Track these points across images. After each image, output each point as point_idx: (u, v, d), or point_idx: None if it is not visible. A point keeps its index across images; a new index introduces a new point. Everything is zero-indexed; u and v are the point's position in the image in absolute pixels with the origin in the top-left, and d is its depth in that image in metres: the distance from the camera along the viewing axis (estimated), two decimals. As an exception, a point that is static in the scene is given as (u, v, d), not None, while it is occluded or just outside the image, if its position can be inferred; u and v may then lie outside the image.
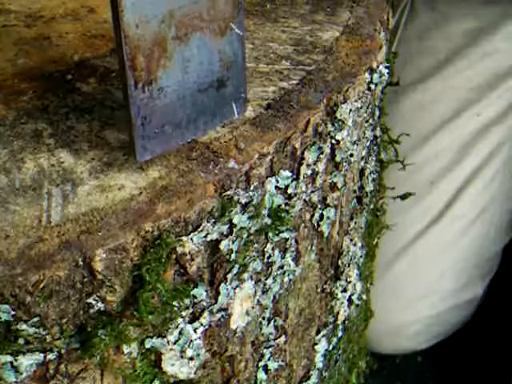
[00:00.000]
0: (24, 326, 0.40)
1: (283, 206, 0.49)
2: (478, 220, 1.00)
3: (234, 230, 0.46)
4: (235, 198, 0.45)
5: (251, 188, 0.46)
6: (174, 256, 0.43)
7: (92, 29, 0.59)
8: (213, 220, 0.44)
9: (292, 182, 0.49)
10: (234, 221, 0.45)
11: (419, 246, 1.00)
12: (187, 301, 0.45)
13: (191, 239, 0.44)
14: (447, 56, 1.00)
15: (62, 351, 0.42)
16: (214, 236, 0.45)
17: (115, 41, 0.41)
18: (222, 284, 0.47)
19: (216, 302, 0.47)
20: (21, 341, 0.41)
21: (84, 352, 0.43)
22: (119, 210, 0.43)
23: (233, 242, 0.46)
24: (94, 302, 0.42)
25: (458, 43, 0.99)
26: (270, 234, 0.49)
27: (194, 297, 0.46)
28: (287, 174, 0.49)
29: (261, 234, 0.49)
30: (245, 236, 0.47)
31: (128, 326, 0.43)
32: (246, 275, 0.49)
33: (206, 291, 0.46)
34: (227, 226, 0.45)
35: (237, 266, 0.47)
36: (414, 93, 1.01)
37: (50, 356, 0.42)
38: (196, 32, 0.44)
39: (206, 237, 0.44)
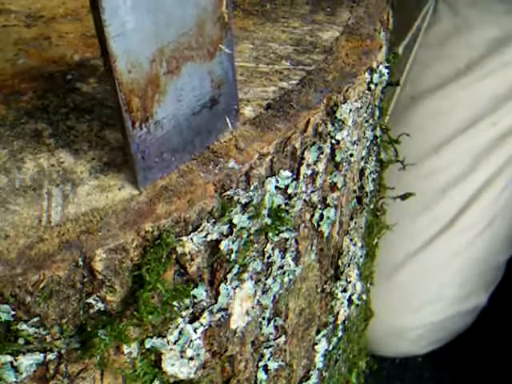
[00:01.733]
0: (24, 326, 0.40)
1: (283, 206, 0.49)
2: (486, 230, 1.00)
3: (234, 229, 0.46)
4: (235, 198, 0.45)
5: (251, 188, 0.46)
6: (174, 256, 0.43)
7: (92, 29, 0.58)
8: (213, 220, 0.44)
9: (292, 182, 0.49)
10: (234, 221, 0.45)
11: (427, 253, 1.00)
12: (187, 301, 0.45)
13: (191, 239, 0.44)
14: (467, 64, 0.99)
15: (62, 351, 0.42)
16: (214, 236, 0.45)
17: (110, 87, 0.41)
18: (222, 284, 0.47)
19: (216, 302, 0.47)
20: (21, 341, 0.41)
21: (84, 352, 0.43)
22: (119, 209, 0.43)
23: (233, 242, 0.46)
24: (93, 302, 0.42)
25: (479, 51, 0.98)
26: (270, 234, 0.49)
27: (194, 297, 0.46)
28: (287, 174, 0.49)
29: (261, 234, 0.49)
30: (245, 236, 0.47)
31: (128, 326, 0.43)
32: (245, 275, 0.49)
33: (206, 291, 0.46)
34: (227, 226, 0.45)
35: (237, 266, 0.47)
36: (432, 99, 1.00)
37: (50, 356, 0.42)
38: (186, 62, 0.44)
39: (205, 237, 0.44)
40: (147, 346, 0.45)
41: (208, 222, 0.44)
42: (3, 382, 0.41)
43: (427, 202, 0.88)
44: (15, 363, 0.41)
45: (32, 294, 0.39)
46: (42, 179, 0.45)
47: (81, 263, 0.40)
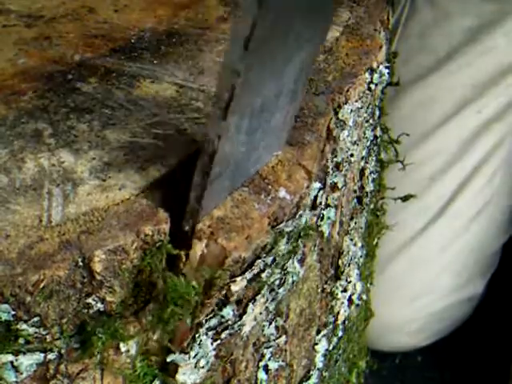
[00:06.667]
0: (24, 326, 0.40)
1: (310, 217, 0.48)
2: (479, 217, 1.00)
3: (277, 258, 0.45)
4: (285, 229, 0.43)
5: (297, 217, 0.45)
6: (225, 292, 0.43)
7: (92, 29, 0.59)
8: (264, 255, 0.43)
9: (319, 191, 0.48)
10: (279, 251, 0.44)
11: (420, 243, 1.00)
12: (215, 321, 0.44)
13: (245, 278, 0.43)
14: (447, 53, 1.00)
15: (62, 351, 0.42)
16: (260, 267, 0.44)
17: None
18: (250, 304, 0.46)
19: (240, 320, 0.46)
20: (21, 340, 0.41)
21: (84, 352, 0.43)
22: (120, 211, 0.42)
23: (271, 269, 0.45)
24: (93, 303, 0.42)
25: (458, 40, 0.99)
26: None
27: (222, 317, 0.45)
28: (317, 185, 0.48)
29: (290, 253, 0.48)
30: (278, 259, 0.46)
31: (128, 328, 0.43)
32: (265, 288, 0.48)
33: (233, 310, 0.45)
34: (272, 258, 0.44)
35: (267, 287, 0.47)
36: (415, 90, 1.01)
37: (50, 356, 0.42)
38: None
39: (255, 271, 0.43)
40: (168, 360, 0.44)
41: (260, 258, 0.43)
42: (4, 381, 0.41)
43: (416, 191, 0.88)
44: (15, 363, 0.41)
45: (32, 293, 0.39)
46: (42, 179, 0.45)
47: (80, 263, 0.40)
